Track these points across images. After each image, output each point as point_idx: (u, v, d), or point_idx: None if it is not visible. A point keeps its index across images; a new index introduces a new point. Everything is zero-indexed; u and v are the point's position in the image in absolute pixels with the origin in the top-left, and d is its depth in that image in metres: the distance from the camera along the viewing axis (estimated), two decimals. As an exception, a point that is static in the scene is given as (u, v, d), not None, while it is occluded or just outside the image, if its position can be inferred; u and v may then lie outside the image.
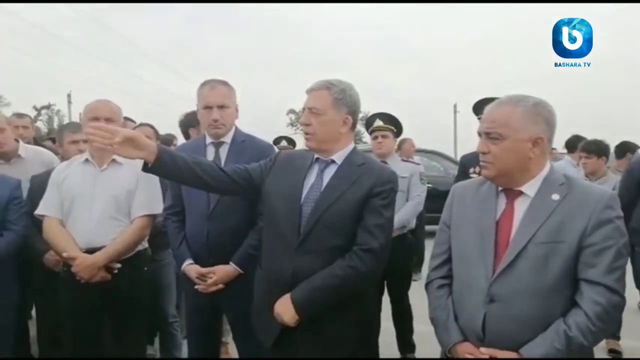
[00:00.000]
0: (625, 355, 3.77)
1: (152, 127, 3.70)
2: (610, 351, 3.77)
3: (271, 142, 4.64)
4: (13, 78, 50.02)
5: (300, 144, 2.10)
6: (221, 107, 2.42)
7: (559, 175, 1.58)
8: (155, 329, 3.47)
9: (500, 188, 1.62)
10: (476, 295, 1.56)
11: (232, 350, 2.92)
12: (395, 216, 3.33)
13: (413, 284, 3.69)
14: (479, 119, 1.69)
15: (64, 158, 3.09)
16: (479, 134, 1.59)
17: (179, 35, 69.49)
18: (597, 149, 3.99)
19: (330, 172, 1.96)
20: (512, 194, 1.59)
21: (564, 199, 1.52)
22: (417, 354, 3.58)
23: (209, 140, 2.50)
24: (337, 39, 70.10)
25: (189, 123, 3.67)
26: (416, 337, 3.60)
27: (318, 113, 1.92)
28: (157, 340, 3.56)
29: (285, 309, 1.86)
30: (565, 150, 5.57)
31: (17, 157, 3.25)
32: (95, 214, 2.44)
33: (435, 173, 9.12)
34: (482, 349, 1.54)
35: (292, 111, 42.16)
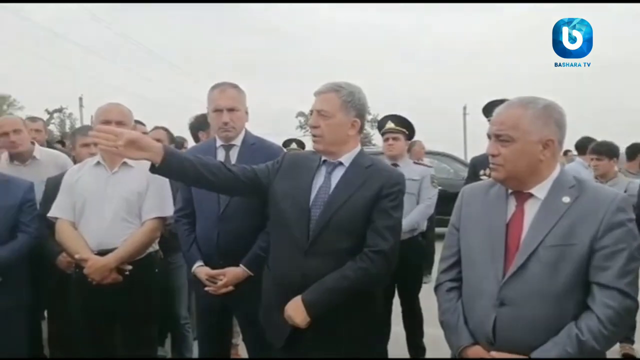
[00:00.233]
0: (639, 360, 3.72)
1: (166, 130, 3.72)
2: (625, 355, 3.73)
3: (281, 144, 4.70)
4: (25, 81, 50.69)
5: (310, 146, 2.11)
6: (231, 110, 2.43)
7: (570, 178, 1.56)
8: (167, 330, 3.50)
9: (510, 190, 1.61)
10: (486, 299, 1.55)
11: (242, 351, 2.93)
12: (405, 219, 3.37)
13: (423, 287, 3.67)
14: (488, 120, 1.68)
15: (76, 161, 3.13)
16: (489, 136, 1.58)
17: (190, 38, 69.94)
18: (608, 150, 3.94)
19: (338, 174, 1.97)
20: (522, 196, 1.58)
21: (574, 202, 1.50)
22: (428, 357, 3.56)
23: (219, 142, 2.52)
24: (345, 41, 70.09)
25: (198, 126, 3.69)
26: (426, 340, 3.58)
27: (326, 115, 1.93)
28: (168, 342, 3.58)
29: (296, 312, 1.87)
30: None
31: (32, 159, 3.29)
32: (106, 216, 2.47)
33: (445, 175, 9.08)
34: (493, 353, 1.53)
35: (301, 114, 42.23)
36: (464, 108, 34.82)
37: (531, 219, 1.54)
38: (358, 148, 2.03)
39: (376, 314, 2.07)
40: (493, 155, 1.55)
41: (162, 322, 3.21)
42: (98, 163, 2.56)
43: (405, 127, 3.65)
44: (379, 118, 4.19)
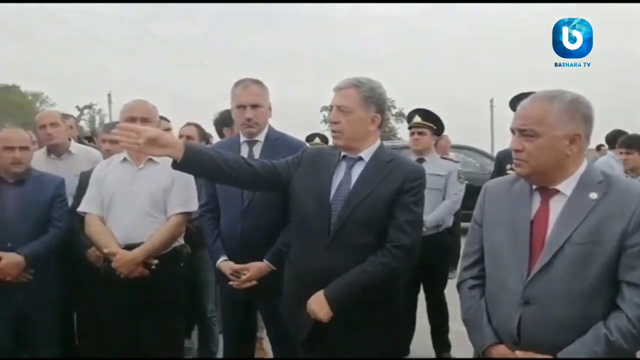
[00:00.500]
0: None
1: (197, 126, 3.74)
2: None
3: (304, 139, 4.70)
4: (57, 79, 52.11)
5: (334, 141, 2.11)
6: (254, 106, 2.45)
7: (597, 173, 1.52)
8: (194, 323, 3.56)
9: (534, 186, 1.57)
10: (510, 297, 1.52)
11: (267, 345, 2.96)
12: (430, 215, 3.34)
13: (449, 282, 3.64)
14: (517, 114, 1.63)
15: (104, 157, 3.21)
16: (512, 131, 1.55)
17: (216, 34, 70.53)
18: (639, 143, 3.81)
19: (358, 169, 1.97)
20: (547, 192, 1.54)
21: (602, 198, 1.46)
22: (453, 354, 3.53)
23: (242, 138, 2.54)
24: (370, 36, 69.62)
25: (222, 122, 3.72)
26: (452, 336, 3.55)
27: (346, 111, 1.93)
28: (195, 334, 3.64)
29: (319, 306, 1.88)
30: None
31: (67, 153, 3.41)
32: (133, 211, 2.52)
33: (472, 169, 8.95)
34: (518, 352, 1.50)
35: (325, 108, 42.30)
36: (491, 101, 34.14)
37: (557, 216, 1.50)
38: (378, 143, 2.02)
39: (399, 308, 2.08)
40: (517, 151, 1.52)
41: (189, 315, 3.28)
42: (125, 159, 2.62)
43: (433, 121, 3.60)
44: (405, 112, 4.16)
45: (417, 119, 3.62)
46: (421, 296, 3.60)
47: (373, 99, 1.95)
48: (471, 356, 1.72)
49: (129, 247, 2.48)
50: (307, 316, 1.92)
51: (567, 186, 1.51)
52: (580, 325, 1.44)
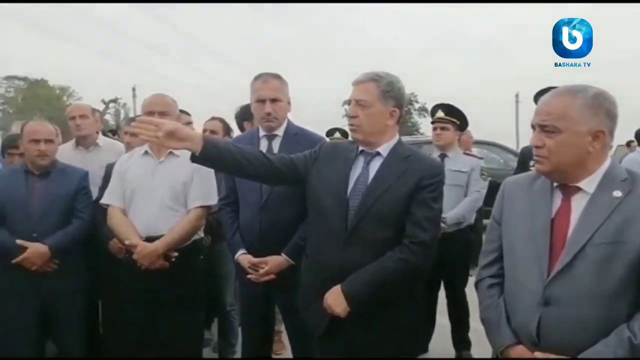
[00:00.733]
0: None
1: (222, 120, 3.77)
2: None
3: (325, 134, 4.69)
4: (83, 74, 53.12)
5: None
6: (274, 100, 2.45)
7: (622, 171, 1.47)
8: (214, 315, 3.61)
9: (555, 184, 1.53)
10: (530, 297, 1.48)
11: (285, 339, 2.98)
12: (451, 212, 3.30)
13: (470, 280, 3.59)
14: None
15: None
16: (533, 127, 1.50)
17: (242, 30, 70.95)
18: None
19: (376, 164, 1.96)
20: (569, 190, 1.49)
21: (626, 196, 1.41)
22: (473, 352, 3.49)
23: (262, 133, 2.54)
24: (392, 29, 69.05)
25: (243, 116, 3.73)
26: (472, 334, 3.52)
27: (365, 105, 1.92)
28: (215, 327, 3.69)
29: (336, 301, 1.88)
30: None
31: (94, 145, 3.51)
32: (153, 204, 2.55)
33: (495, 165, 8.79)
34: (537, 353, 1.47)
35: (347, 102, 42.21)
36: (516, 95, 33.44)
37: (579, 215, 1.45)
38: (396, 138, 2.01)
39: (417, 305, 2.06)
40: (537, 147, 1.47)
41: (209, 308, 3.32)
42: (146, 152, 2.65)
43: (456, 116, 3.54)
44: (428, 106, 4.11)
45: (440, 113, 3.56)
46: (442, 293, 3.57)
47: (392, 93, 1.93)
48: (490, 355, 1.69)
49: (150, 239, 2.51)
50: (323, 311, 1.92)
51: (589, 184, 1.47)
52: (602, 326, 1.40)
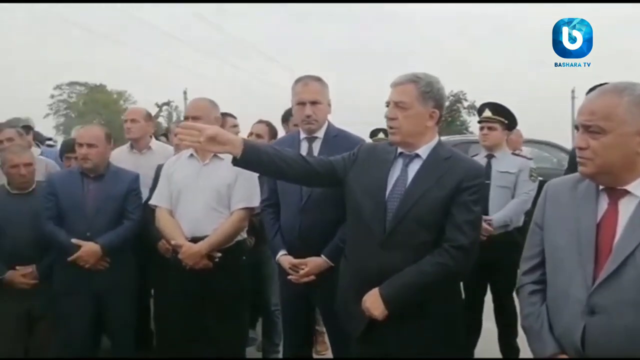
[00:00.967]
0: None
1: (268, 124, 3.82)
2: None
3: (369, 134, 4.66)
4: (138, 78, 55.62)
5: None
6: (314, 103, 2.48)
7: None
8: (258, 315, 3.67)
9: (601, 187, 1.45)
10: (574, 305, 1.42)
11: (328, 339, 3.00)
12: (498, 213, 3.21)
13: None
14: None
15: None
16: (576, 127, 1.44)
17: (287, 31, 71.68)
18: None
19: (415, 166, 1.94)
20: (616, 193, 1.42)
21: None
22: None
23: (302, 135, 2.57)
24: (441, 27, 67.70)
25: (286, 119, 3.79)
26: (520, 340, 3.40)
27: (404, 107, 1.90)
28: (259, 326, 3.75)
29: (374, 304, 1.88)
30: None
31: (147, 149, 3.65)
32: (198, 205, 2.63)
33: (548, 165, 8.44)
34: None
35: (387, 104, 41.66)
36: (572, 91, 31.93)
37: (626, 219, 1.38)
38: (436, 140, 1.98)
39: (457, 310, 2.03)
40: (581, 149, 1.40)
41: (254, 307, 3.37)
42: (192, 155, 2.74)
43: (504, 116, 3.43)
44: (476, 104, 4.00)
45: (487, 113, 3.46)
46: (487, 297, 3.47)
47: (431, 94, 1.91)
48: None
49: (195, 240, 2.59)
50: (362, 313, 1.92)
51: (638, 187, 1.39)
52: None
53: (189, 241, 2.59)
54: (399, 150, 1.98)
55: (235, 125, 3.87)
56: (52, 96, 43.74)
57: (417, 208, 1.86)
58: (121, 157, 3.46)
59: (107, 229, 2.87)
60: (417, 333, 1.90)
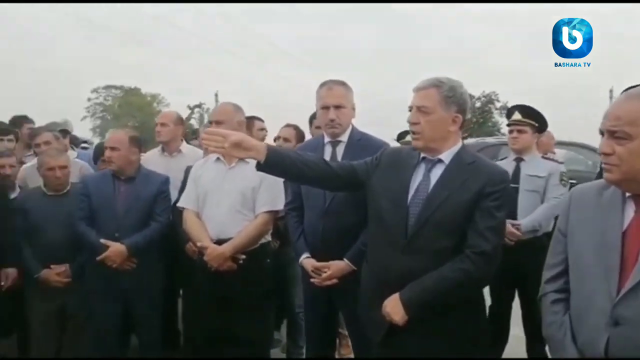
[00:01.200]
0: None
1: (296, 128, 3.85)
2: None
3: (396, 137, 4.64)
4: (171, 80, 56.82)
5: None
6: (338, 107, 2.49)
7: None
8: (283, 317, 3.70)
9: (627, 194, 1.41)
10: (597, 316, 1.38)
11: (351, 343, 3.01)
12: (526, 218, 3.15)
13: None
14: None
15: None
16: (601, 133, 1.40)
17: (316, 34, 71.89)
18: None
19: (437, 171, 1.93)
20: None
21: None
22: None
23: (326, 139, 2.59)
24: (471, 28, 66.74)
25: (312, 119, 3.80)
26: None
27: (427, 112, 1.89)
28: (284, 327, 3.77)
29: (394, 309, 1.87)
30: None
31: (178, 152, 3.71)
32: (224, 208, 2.68)
33: (582, 168, 8.20)
34: None
35: (409, 109, 41.13)
36: (610, 91, 30.83)
37: None
38: (459, 144, 1.96)
39: (480, 316, 2.01)
40: (606, 154, 1.37)
41: (278, 309, 3.40)
42: (218, 159, 2.78)
43: (534, 118, 3.36)
44: (509, 105, 3.91)
45: (517, 115, 3.39)
46: (515, 303, 3.41)
47: (454, 99, 1.89)
48: None
49: (220, 242, 2.64)
50: (383, 318, 1.92)
51: None
52: None
53: (214, 243, 2.63)
54: (422, 155, 1.97)
55: (263, 129, 3.91)
56: (89, 99, 45.22)
57: (439, 213, 1.85)
58: (152, 160, 3.55)
59: (135, 230, 2.94)
60: (438, 338, 1.88)
